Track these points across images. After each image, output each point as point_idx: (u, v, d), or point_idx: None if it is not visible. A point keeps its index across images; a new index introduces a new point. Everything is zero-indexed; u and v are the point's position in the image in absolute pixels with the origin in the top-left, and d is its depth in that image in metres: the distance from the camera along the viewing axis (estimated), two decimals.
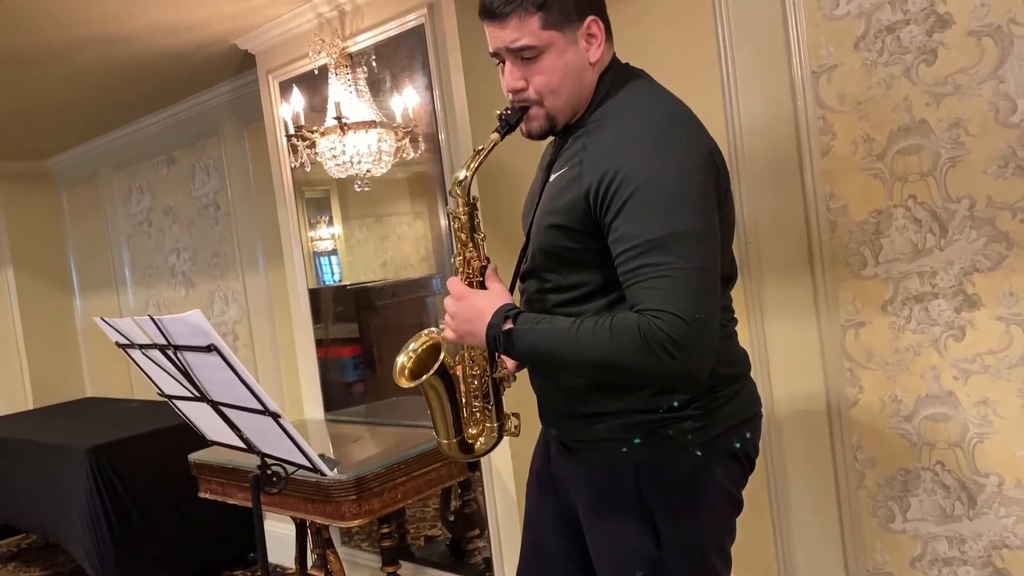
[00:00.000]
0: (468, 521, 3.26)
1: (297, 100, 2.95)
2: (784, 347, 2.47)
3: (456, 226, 1.61)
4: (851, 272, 2.33)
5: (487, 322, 1.51)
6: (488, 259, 1.63)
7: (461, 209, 1.59)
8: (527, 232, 1.65)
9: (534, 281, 1.61)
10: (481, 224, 1.62)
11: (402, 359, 1.72)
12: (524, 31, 1.49)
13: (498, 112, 1.59)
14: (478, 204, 1.61)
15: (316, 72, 3.11)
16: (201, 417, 1.68)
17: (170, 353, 1.42)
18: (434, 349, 1.71)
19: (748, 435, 1.58)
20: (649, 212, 1.38)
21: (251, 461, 2.93)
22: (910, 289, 2.23)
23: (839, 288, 2.35)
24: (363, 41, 3.04)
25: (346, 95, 2.99)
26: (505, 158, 2.11)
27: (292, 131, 3.01)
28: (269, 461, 1.55)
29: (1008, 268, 2.08)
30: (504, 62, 1.56)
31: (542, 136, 1.61)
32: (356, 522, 2.58)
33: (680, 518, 1.52)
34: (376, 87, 3.05)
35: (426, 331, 1.74)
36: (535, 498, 1.83)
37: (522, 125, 1.58)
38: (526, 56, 1.51)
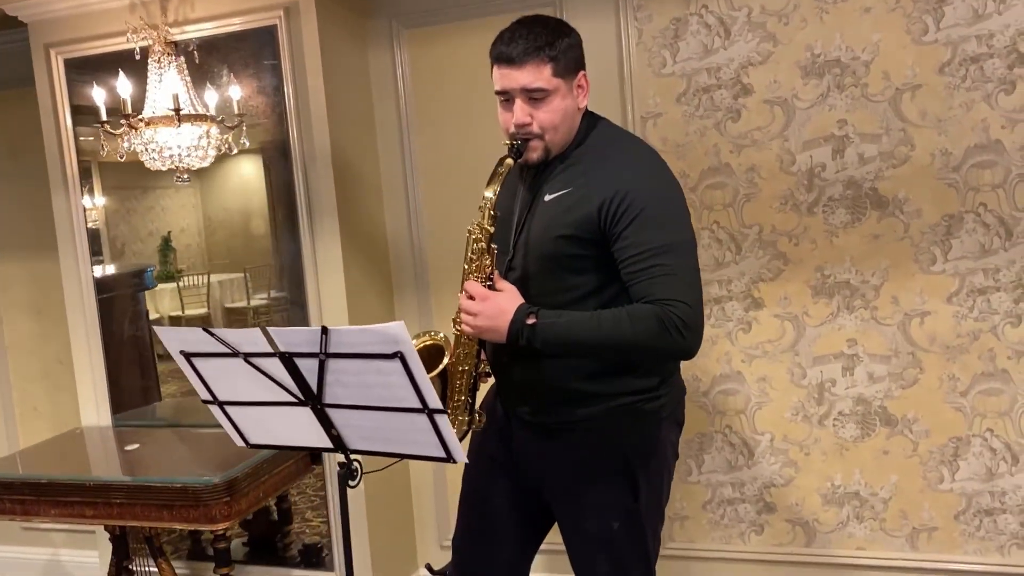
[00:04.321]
0: (285, 517, 3.31)
1: (124, 86, 2.76)
2: None
3: (477, 235, 1.81)
4: None
5: (509, 319, 1.76)
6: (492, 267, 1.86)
7: (487, 222, 1.81)
8: (512, 245, 1.91)
9: (527, 287, 1.87)
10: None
11: None
12: (538, 76, 1.79)
13: (507, 143, 1.84)
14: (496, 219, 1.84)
15: (137, 55, 2.88)
16: (259, 420, 1.62)
17: (303, 360, 1.40)
18: (435, 349, 1.87)
19: (683, 405, 2.04)
20: (656, 225, 1.75)
21: (76, 474, 2.70)
22: (711, 293, 2.87)
23: None
24: (191, 31, 2.94)
25: (169, 85, 2.85)
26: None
27: (105, 117, 2.82)
28: (352, 457, 1.60)
29: (784, 279, 2.80)
30: (509, 100, 1.83)
31: (537, 164, 1.89)
32: (225, 524, 2.55)
33: (653, 475, 1.92)
34: (201, 80, 2.96)
35: (426, 331, 1.89)
36: (484, 476, 2.07)
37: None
38: (536, 97, 1.80)
